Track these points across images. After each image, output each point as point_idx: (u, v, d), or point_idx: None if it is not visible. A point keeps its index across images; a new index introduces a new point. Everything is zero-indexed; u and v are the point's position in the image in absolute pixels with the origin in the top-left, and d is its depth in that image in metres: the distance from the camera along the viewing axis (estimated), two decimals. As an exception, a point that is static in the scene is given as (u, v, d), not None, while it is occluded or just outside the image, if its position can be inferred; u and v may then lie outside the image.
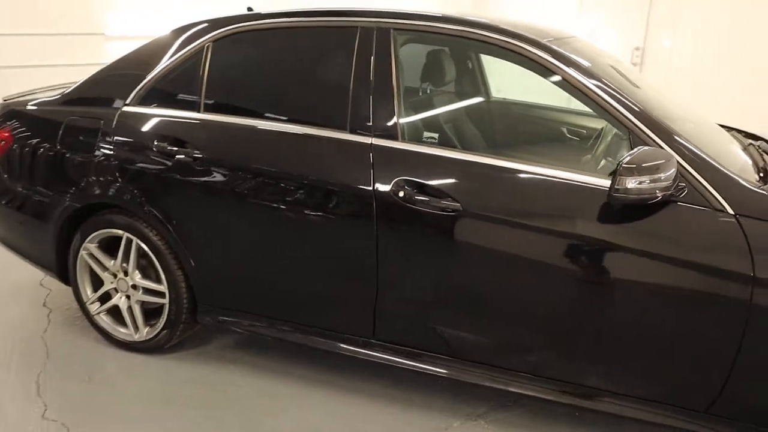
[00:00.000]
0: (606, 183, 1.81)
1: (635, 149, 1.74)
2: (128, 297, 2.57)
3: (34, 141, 2.61)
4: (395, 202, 2.00)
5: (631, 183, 1.69)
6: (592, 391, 2.00)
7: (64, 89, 2.70)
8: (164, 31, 2.54)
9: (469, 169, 1.99)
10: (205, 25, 2.42)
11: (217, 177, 2.25)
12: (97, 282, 2.64)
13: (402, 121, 2.09)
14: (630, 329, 1.88)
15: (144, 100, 2.44)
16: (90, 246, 2.55)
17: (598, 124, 2.63)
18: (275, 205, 2.19)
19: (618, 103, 1.87)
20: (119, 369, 2.52)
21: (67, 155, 2.51)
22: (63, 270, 2.68)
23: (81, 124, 2.51)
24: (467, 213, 1.93)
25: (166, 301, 2.47)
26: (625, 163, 1.70)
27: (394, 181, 2.00)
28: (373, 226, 2.04)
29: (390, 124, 2.08)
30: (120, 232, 2.47)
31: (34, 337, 2.74)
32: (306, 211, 2.15)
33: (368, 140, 2.08)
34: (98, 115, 2.48)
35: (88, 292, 2.65)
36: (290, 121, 2.24)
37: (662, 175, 1.69)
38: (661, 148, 1.79)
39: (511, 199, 1.94)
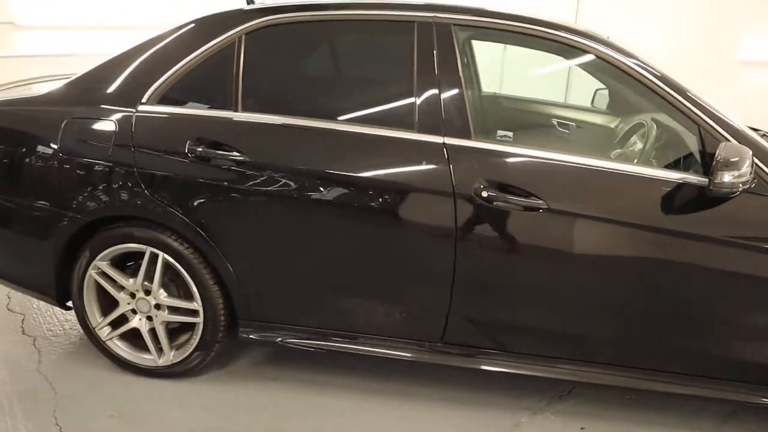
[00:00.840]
0: (681, 176, 1.89)
1: (720, 146, 1.82)
2: (149, 318, 2.31)
3: (21, 146, 2.24)
4: (477, 203, 1.94)
5: (726, 177, 1.77)
6: (656, 374, 2.10)
7: (34, 85, 2.35)
8: (179, 21, 2.27)
9: (553, 167, 1.98)
10: (236, 15, 2.19)
11: (269, 181, 2.05)
12: (105, 304, 2.35)
13: (473, 119, 2.03)
14: (710, 312, 1.99)
15: (164, 98, 2.17)
16: (101, 264, 2.25)
17: (609, 119, 2.71)
18: (335, 209, 2.04)
19: (689, 102, 1.94)
20: (147, 399, 2.26)
21: (72, 162, 2.18)
22: (62, 293, 2.35)
23: (88, 125, 2.19)
24: (553, 210, 1.92)
25: (200, 319, 2.24)
26: (721, 159, 1.77)
27: (476, 180, 1.95)
28: (452, 228, 1.97)
29: (461, 122, 2.01)
30: (142, 247, 2.20)
31: (28, 373, 2.38)
32: (372, 216, 2.03)
33: (440, 139, 2.00)
34: (109, 115, 2.18)
35: (96, 315, 2.34)
36: (346, 120, 2.10)
37: (745, 169, 1.78)
38: (730, 142, 1.89)
39: (597, 195, 1.96)
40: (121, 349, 2.36)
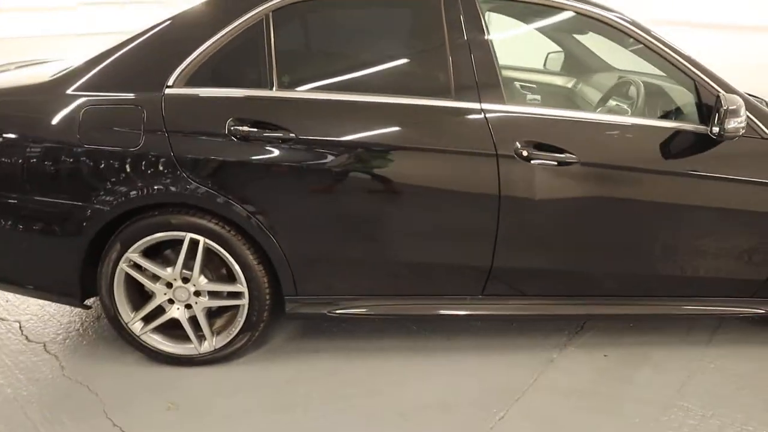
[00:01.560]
0: (691, 126, 2.18)
1: (720, 97, 2.10)
2: (187, 307, 2.26)
3: (33, 139, 2.08)
4: (518, 162, 2.10)
5: (732, 124, 2.05)
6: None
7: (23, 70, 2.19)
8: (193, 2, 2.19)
9: (579, 124, 2.18)
10: None
11: (315, 156, 2.08)
12: (134, 297, 2.26)
13: (503, 84, 2.17)
14: (702, 241, 2.30)
15: (192, 80, 2.09)
16: (133, 256, 2.16)
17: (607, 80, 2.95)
18: (384, 178, 2.11)
19: (685, 59, 2.21)
20: (196, 387, 2.23)
21: (97, 153, 2.06)
22: (86, 291, 2.23)
23: (111, 113, 2.07)
24: (584, 163, 2.13)
25: (244, 300, 2.23)
26: (726, 108, 2.05)
27: (516, 142, 2.10)
28: (496, 187, 2.12)
29: (494, 88, 2.14)
30: (180, 234, 2.14)
31: (57, 380, 2.25)
32: (420, 181, 2.13)
33: (477, 105, 2.12)
34: (134, 100, 2.07)
35: (128, 310, 2.25)
36: (385, 92, 2.15)
37: (743, 115, 2.09)
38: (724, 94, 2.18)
39: (621, 147, 2.19)
40: (157, 341, 2.29)
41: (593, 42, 2.86)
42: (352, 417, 2.10)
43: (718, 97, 2.10)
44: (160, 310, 2.26)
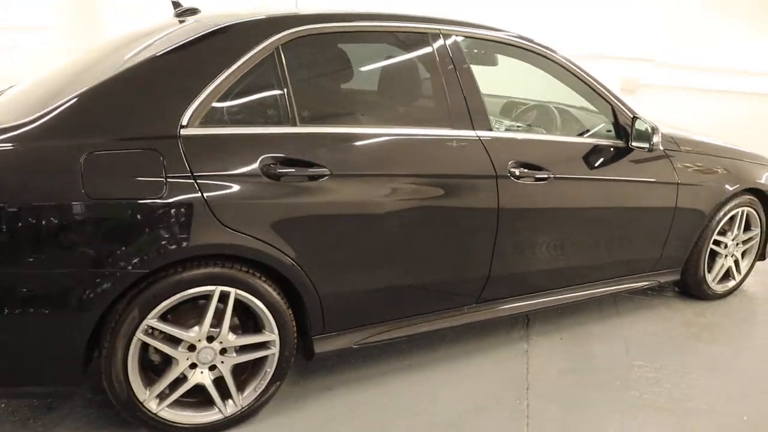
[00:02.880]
0: (614, 142, 2.75)
1: (641, 119, 2.70)
2: (210, 369, 2.04)
3: (19, 201, 1.68)
4: (511, 180, 2.39)
5: (656, 139, 2.67)
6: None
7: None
8: (188, 34, 2.00)
9: (555, 146, 2.60)
10: (261, 25, 2.07)
11: (347, 189, 2.08)
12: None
13: (490, 114, 2.45)
14: (624, 232, 2.89)
15: (208, 119, 1.92)
16: (152, 322, 1.88)
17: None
18: (406, 205, 2.21)
19: (604, 88, 2.77)
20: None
21: (111, 206, 1.76)
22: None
23: (122, 159, 1.79)
24: (556, 178, 2.52)
25: (275, 349, 2.10)
26: (653, 128, 2.66)
27: (508, 163, 2.39)
28: (496, 203, 2.38)
29: (483, 116, 2.41)
30: (208, 288, 1.93)
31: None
32: (436, 205, 2.27)
33: (473, 133, 2.36)
34: (147, 144, 1.82)
35: (142, 386, 1.94)
36: (399, 124, 2.26)
37: (660, 133, 2.73)
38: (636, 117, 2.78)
39: (578, 161, 2.63)
40: (178, 414, 2.02)
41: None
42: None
43: (634, 118, 2.70)
44: (178, 379, 2.00)
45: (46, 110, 1.79)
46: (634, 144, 2.71)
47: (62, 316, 1.77)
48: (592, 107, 2.86)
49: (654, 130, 2.67)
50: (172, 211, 1.83)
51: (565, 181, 2.57)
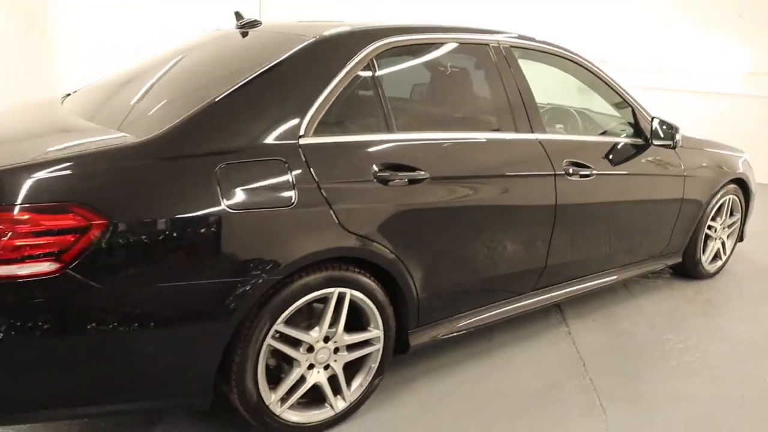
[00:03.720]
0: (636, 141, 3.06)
1: (657, 119, 3.03)
2: (324, 367, 2.12)
3: (156, 215, 1.69)
4: (566, 178, 2.63)
5: (678, 137, 3.00)
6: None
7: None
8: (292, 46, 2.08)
9: (594, 146, 2.88)
10: (357, 37, 2.18)
11: (440, 191, 2.24)
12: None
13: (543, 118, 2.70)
14: (636, 225, 3.21)
15: (320, 129, 2.02)
16: (280, 327, 1.95)
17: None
18: (486, 204, 2.41)
19: (627, 94, 3.08)
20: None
21: (250, 217, 1.81)
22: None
23: (255, 169, 1.85)
24: (598, 174, 2.79)
25: (380, 345, 2.21)
26: (675, 127, 2.99)
27: (563, 162, 2.63)
28: (554, 201, 2.61)
29: (539, 121, 2.63)
30: (328, 291, 2.02)
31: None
32: (511, 203, 2.50)
33: (533, 136, 2.58)
34: (273, 154, 1.89)
35: (267, 390, 1.99)
36: (477, 130, 2.47)
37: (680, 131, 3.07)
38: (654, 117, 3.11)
39: (611, 159, 2.91)
40: (296, 415, 2.09)
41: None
42: (527, 415, 2.33)
43: (653, 118, 3.03)
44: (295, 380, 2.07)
45: (173, 124, 1.82)
46: (656, 142, 3.03)
47: (204, 327, 1.81)
48: (600, 109, 3.18)
49: (676, 129, 3.01)
50: (302, 218, 1.91)
51: (604, 177, 2.85)
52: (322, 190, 1.95)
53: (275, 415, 2.02)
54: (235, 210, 1.79)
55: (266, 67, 2.02)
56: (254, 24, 2.52)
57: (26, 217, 1.54)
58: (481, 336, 2.90)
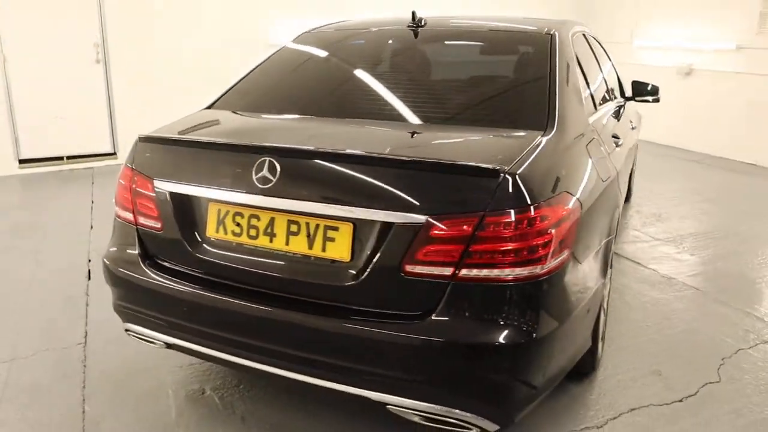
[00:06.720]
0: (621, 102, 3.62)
1: (642, 82, 3.81)
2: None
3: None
4: (617, 150, 2.95)
5: (659, 94, 3.70)
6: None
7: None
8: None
9: (617, 115, 3.39)
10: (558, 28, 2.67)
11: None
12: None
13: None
14: None
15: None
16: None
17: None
18: None
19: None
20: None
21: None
22: None
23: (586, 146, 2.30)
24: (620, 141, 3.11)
25: None
26: (656, 87, 3.72)
27: (611, 135, 2.92)
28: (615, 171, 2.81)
29: (591, 100, 2.84)
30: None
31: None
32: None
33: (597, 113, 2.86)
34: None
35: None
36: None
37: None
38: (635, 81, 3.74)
39: (621, 119, 3.39)
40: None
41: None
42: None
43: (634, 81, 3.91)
44: None
45: (556, 119, 2.11)
46: (638, 99, 3.81)
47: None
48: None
49: (656, 88, 3.76)
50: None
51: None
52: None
53: None
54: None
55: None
56: (420, 23, 2.76)
57: (544, 214, 1.63)
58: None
